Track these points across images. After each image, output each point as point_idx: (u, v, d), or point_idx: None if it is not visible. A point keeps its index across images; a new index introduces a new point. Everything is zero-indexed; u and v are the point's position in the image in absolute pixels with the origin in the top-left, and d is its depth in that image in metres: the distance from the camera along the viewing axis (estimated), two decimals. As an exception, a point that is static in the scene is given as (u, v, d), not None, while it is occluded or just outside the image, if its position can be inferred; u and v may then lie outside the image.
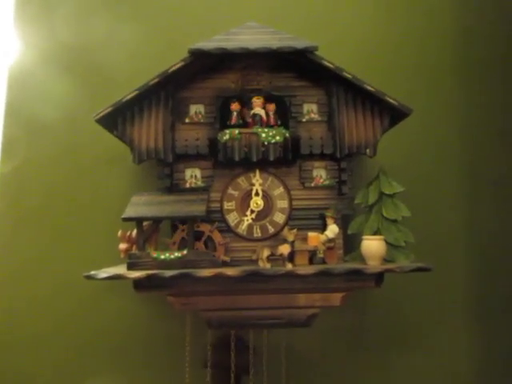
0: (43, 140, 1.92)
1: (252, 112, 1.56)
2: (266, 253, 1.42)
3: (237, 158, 1.48)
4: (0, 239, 1.86)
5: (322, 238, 1.48)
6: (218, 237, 1.50)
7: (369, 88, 1.49)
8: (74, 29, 1.98)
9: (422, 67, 1.99)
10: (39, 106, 1.94)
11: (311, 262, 1.50)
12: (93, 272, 1.37)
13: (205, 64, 1.54)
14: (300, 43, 1.47)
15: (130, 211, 1.44)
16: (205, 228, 1.51)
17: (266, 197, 1.57)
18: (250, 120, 1.56)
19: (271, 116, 1.57)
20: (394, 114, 1.55)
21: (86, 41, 1.97)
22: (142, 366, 1.82)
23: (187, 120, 1.57)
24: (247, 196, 1.57)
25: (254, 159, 1.49)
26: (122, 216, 1.42)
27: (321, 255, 1.51)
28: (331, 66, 1.48)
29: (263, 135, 1.48)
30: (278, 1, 2.02)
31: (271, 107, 1.57)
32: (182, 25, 1.98)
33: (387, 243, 1.47)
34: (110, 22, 1.98)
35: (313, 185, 1.58)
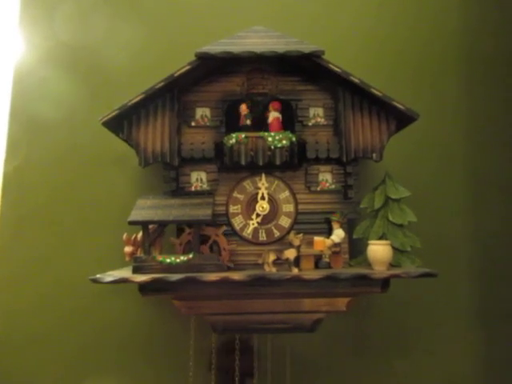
0: (47, 140, 1.92)
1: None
2: (271, 257, 1.42)
3: (243, 162, 1.48)
4: (3, 239, 1.86)
5: (328, 242, 1.48)
6: (223, 242, 1.50)
7: (376, 92, 1.48)
8: (78, 30, 1.99)
9: (426, 71, 1.99)
10: (43, 106, 1.94)
11: (317, 266, 1.50)
12: (98, 275, 1.37)
13: (211, 67, 1.54)
14: (307, 47, 1.47)
15: (136, 215, 1.44)
16: (210, 232, 1.51)
17: (272, 201, 1.57)
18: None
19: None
20: (400, 119, 1.55)
21: (90, 42, 1.98)
22: (146, 368, 1.82)
23: (193, 123, 1.57)
24: (253, 200, 1.57)
25: (261, 163, 1.49)
26: (128, 219, 1.42)
27: (326, 260, 1.51)
28: (338, 70, 1.48)
29: (269, 139, 1.48)
30: (282, 4, 2.02)
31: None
32: (184, 25, 1.99)
33: (393, 248, 1.46)
34: (114, 22, 1.99)
35: (319, 189, 1.58)
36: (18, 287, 1.84)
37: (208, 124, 1.58)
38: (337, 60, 1.50)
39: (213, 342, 1.60)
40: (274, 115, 1.57)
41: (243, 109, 1.56)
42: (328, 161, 1.57)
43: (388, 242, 1.46)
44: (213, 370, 1.60)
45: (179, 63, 1.48)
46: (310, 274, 1.39)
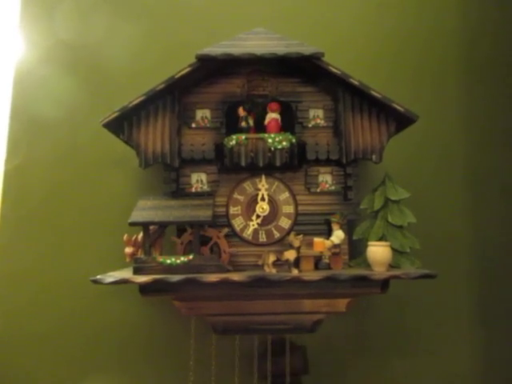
0: (47, 140, 1.92)
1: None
2: (271, 258, 1.42)
3: (243, 164, 1.48)
4: (3, 239, 1.87)
5: (328, 243, 1.48)
6: (224, 244, 1.50)
7: (375, 94, 1.49)
8: (79, 29, 1.99)
9: (426, 71, 1.99)
10: (43, 106, 1.94)
11: (316, 267, 1.51)
12: (99, 276, 1.38)
13: (211, 69, 1.54)
14: (307, 49, 1.47)
15: (137, 216, 1.44)
16: (212, 233, 1.51)
17: (272, 202, 1.57)
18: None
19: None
20: (399, 120, 1.55)
21: (90, 41, 1.98)
22: (146, 368, 1.82)
23: (193, 125, 1.58)
24: (253, 201, 1.57)
25: (261, 164, 1.49)
26: (129, 220, 1.42)
27: (326, 261, 1.51)
28: (338, 71, 1.48)
29: (270, 140, 1.48)
30: (283, 6, 2.02)
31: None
32: (184, 27, 1.99)
33: (393, 249, 1.46)
34: (114, 22, 1.99)
35: (318, 190, 1.59)
36: (18, 287, 1.84)
37: (208, 125, 1.58)
38: (337, 61, 1.51)
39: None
40: (271, 116, 1.58)
41: (240, 111, 1.57)
42: (328, 162, 1.58)
43: (387, 243, 1.46)
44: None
45: (180, 64, 1.48)
46: (310, 275, 1.39)
